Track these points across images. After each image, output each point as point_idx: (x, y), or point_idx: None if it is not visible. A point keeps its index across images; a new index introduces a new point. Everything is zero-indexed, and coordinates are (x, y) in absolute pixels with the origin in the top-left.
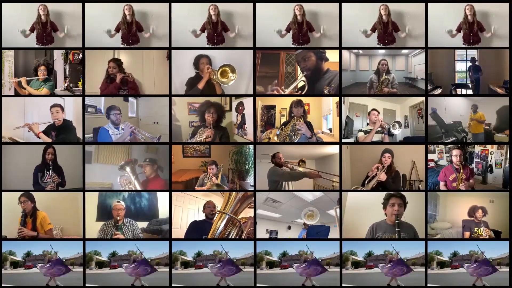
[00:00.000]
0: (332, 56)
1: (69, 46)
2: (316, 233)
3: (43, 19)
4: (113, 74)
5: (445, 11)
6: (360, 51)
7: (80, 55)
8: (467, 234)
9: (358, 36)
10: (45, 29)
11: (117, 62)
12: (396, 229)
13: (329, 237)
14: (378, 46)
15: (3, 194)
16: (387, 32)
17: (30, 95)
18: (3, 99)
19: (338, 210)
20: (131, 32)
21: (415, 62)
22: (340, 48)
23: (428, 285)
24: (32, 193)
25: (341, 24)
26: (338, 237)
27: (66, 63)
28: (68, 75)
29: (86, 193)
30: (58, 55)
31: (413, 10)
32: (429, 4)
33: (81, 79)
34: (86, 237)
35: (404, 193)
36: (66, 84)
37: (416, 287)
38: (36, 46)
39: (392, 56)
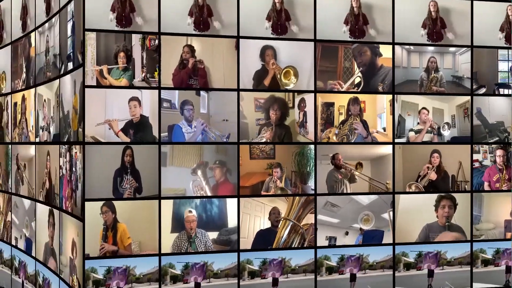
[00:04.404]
0: (384, 51)
1: (146, 30)
2: (372, 238)
3: None
4: (186, 59)
5: (489, 9)
6: (412, 47)
7: (156, 41)
8: (509, 235)
9: (410, 32)
10: (124, 10)
11: (191, 47)
12: (447, 231)
13: (383, 242)
14: (427, 42)
15: (86, 204)
16: (435, 29)
17: (110, 86)
18: (86, 90)
19: (391, 213)
20: (202, 17)
21: (462, 60)
22: (393, 43)
23: (474, 284)
24: (113, 202)
25: (394, 18)
26: (391, 241)
27: (143, 49)
28: (145, 64)
29: (162, 201)
30: (136, 40)
31: (459, 7)
32: (474, 2)
33: (157, 68)
34: (161, 251)
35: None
36: (143, 75)
37: None
38: (116, 28)
39: (440, 54)
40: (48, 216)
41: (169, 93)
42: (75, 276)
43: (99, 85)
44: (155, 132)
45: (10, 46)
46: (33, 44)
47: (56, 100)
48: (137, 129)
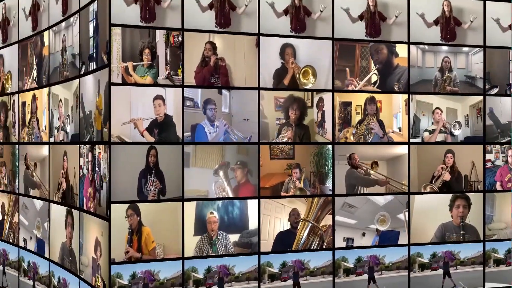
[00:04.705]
0: (400, 51)
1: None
2: (388, 239)
3: None
4: (208, 56)
5: (502, 9)
6: (426, 46)
7: (180, 38)
8: None
9: (424, 31)
10: (148, 3)
11: (213, 45)
12: (461, 232)
13: (398, 242)
14: (441, 42)
15: (112, 206)
16: (449, 28)
17: (135, 84)
18: (112, 88)
19: (407, 213)
20: (223, 12)
21: (475, 60)
22: (408, 43)
23: (486, 283)
24: (137, 204)
25: (410, 17)
26: (407, 242)
27: (167, 46)
28: (169, 61)
29: (185, 203)
30: (160, 37)
31: (472, 7)
32: (486, 2)
33: (180, 66)
34: (184, 254)
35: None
36: (167, 72)
37: None
38: (140, 23)
39: (454, 54)
40: (65, 216)
41: (192, 91)
42: (99, 276)
43: (124, 83)
44: (179, 132)
45: (17, 44)
46: (46, 43)
47: (75, 99)
48: (161, 129)
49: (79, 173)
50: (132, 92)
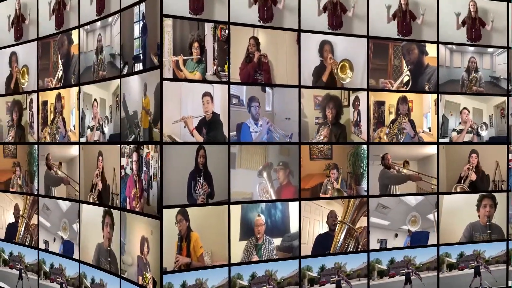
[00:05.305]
0: (430, 50)
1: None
2: (419, 240)
3: None
4: (252, 53)
5: None
6: (454, 47)
7: (227, 31)
8: None
9: (452, 30)
10: None
11: (256, 40)
12: (488, 231)
13: (428, 243)
14: (467, 42)
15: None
16: (474, 28)
17: (185, 80)
18: (163, 84)
19: (436, 214)
20: (266, 6)
21: (499, 61)
22: (437, 42)
23: (510, 282)
24: (186, 209)
25: (439, 17)
26: (436, 242)
27: (214, 40)
28: (216, 56)
29: (231, 206)
30: (208, 30)
31: (496, 8)
32: (510, 3)
33: (226, 61)
34: (231, 260)
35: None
36: (214, 68)
37: None
38: (189, 15)
39: (479, 54)
40: (102, 217)
41: (237, 88)
42: (147, 274)
43: (175, 78)
44: (225, 131)
45: (36, 42)
46: (75, 42)
47: (115, 100)
48: (210, 127)
49: (120, 173)
50: (182, 88)
